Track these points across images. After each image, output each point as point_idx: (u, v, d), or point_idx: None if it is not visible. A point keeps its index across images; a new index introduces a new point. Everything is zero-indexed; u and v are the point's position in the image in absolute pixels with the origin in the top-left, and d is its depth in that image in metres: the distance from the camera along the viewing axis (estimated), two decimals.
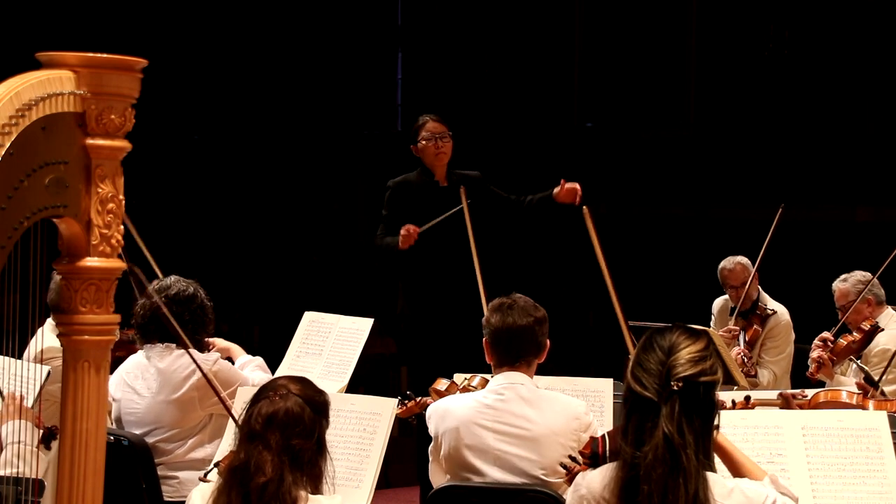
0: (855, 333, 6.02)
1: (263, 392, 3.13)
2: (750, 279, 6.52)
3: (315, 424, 3.09)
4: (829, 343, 5.99)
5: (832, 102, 10.01)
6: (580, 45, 11.68)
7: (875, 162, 9.68)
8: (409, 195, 6.19)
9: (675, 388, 2.71)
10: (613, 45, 11.47)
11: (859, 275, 6.10)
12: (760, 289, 6.66)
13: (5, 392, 3.76)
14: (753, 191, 10.06)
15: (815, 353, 5.96)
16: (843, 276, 6.18)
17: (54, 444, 3.95)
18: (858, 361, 5.80)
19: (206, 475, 3.66)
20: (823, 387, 5.90)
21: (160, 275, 5.04)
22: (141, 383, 4.59)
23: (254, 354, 5.09)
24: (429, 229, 6.01)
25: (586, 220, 5.04)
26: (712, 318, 6.86)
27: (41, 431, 3.73)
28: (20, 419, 3.63)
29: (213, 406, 4.51)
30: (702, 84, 10.98)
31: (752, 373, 6.39)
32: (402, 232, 6.03)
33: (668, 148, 11.00)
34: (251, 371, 4.80)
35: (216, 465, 3.63)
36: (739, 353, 6.40)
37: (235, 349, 5.05)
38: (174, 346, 4.55)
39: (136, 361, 4.67)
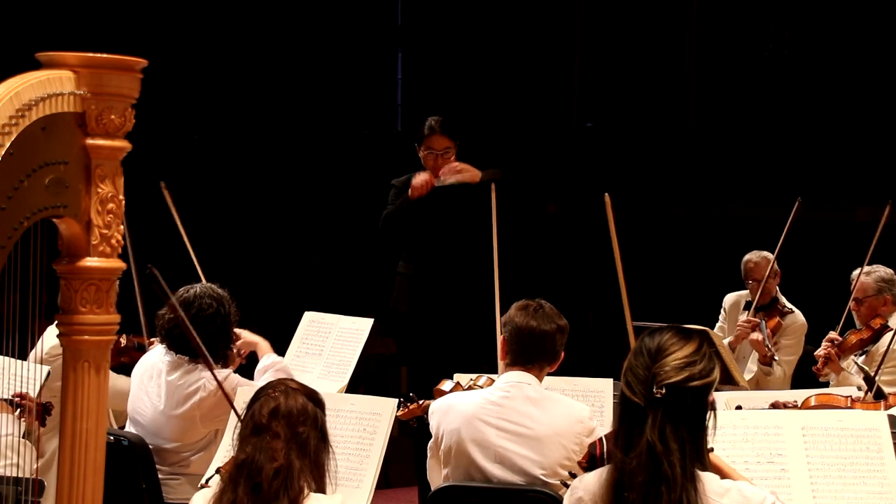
0: (864, 330, 6.00)
1: (262, 392, 3.18)
2: (773, 275, 6.49)
3: (317, 415, 3.14)
4: (836, 341, 5.97)
5: (832, 102, 10.00)
6: (580, 45, 11.68)
7: (875, 162, 9.68)
8: None
9: (658, 395, 2.69)
10: (613, 45, 11.46)
11: (883, 271, 6.05)
12: (779, 290, 6.64)
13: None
14: (753, 190, 10.05)
15: (821, 351, 5.93)
16: (867, 269, 6.09)
17: (49, 420, 3.97)
18: (859, 361, 5.80)
19: (207, 481, 3.66)
20: (828, 385, 5.91)
21: (203, 278, 4.98)
22: (153, 387, 4.57)
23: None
24: (440, 194, 6.00)
25: (606, 207, 5.06)
26: (722, 312, 6.82)
27: (20, 413, 3.73)
28: (3, 413, 3.66)
29: (216, 423, 4.46)
30: (702, 84, 10.97)
31: (769, 361, 6.33)
32: (418, 180, 6.02)
33: (668, 148, 10.99)
34: (271, 378, 4.68)
35: (217, 470, 3.63)
36: (762, 339, 6.33)
37: (263, 346, 4.90)
38: (186, 359, 4.51)
39: (153, 362, 4.63)
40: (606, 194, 5.03)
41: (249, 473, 3.01)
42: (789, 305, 6.60)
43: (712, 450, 2.89)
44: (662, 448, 2.65)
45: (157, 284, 4.03)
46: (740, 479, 2.88)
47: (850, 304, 6.06)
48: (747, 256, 6.67)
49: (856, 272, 6.11)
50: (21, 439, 3.56)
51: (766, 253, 6.62)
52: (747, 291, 6.68)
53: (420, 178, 6.04)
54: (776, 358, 6.35)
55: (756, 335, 6.36)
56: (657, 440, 2.66)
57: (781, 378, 6.42)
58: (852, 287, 6.09)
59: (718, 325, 6.75)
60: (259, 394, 3.17)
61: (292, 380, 3.30)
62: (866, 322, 6.02)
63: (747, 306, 6.63)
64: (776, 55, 10.42)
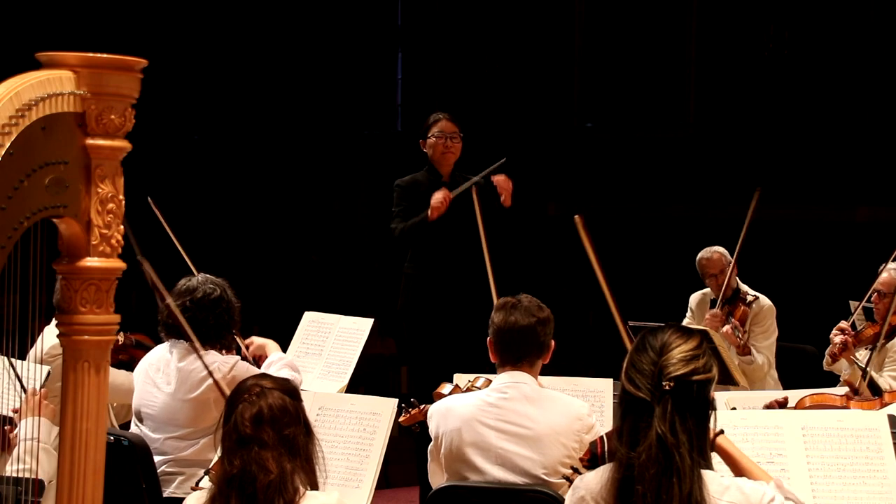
0: (880, 324, 5.98)
1: (238, 397, 3.08)
2: (730, 268, 6.51)
3: (298, 410, 3.08)
4: (848, 332, 5.95)
5: (832, 102, 10.00)
6: (580, 45, 11.68)
7: (875, 162, 9.68)
8: (417, 194, 6.20)
9: (667, 387, 2.71)
10: (613, 45, 11.46)
11: None
12: (739, 280, 6.65)
13: (27, 388, 3.77)
14: (753, 191, 10.06)
15: (838, 338, 5.90)
16: None
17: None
18: (860, 362, 5.79)
19: (197, 483, 3.64)
20: (833, 375, 5.91)
21: (195, 272, 5.04)
22: (161, 377, 4.58)
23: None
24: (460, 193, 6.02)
25: (579, 229, 4.97)
26: (689, 312, 6.83)
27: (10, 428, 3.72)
28: (37, 416, 3.64)
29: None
30: (702, 84, 10.97)
31: (743, 349, 6.35)
32: (435, 201, 6.00)
33: (668, 148, 10.99)
34: (276, 371, 4.70)
35: (207, 472, 3.61)
36: (729, 329, 6.36)
37: (270, 346, 4.98)
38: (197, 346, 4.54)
39: (160, 355, 4.65)
40: (577, 216, 4.90)
41: (242, 485, 2.94)
42: (752, 292, 6.61)
43: (722, 432, 2.90)
44: (673, 440, 2.67)
45: (148, 275, 4.09)
46: (748, 464, 2.90)
47: (872, 295, 6.04)
48: (700, 254, 6.72)
49: (886, 266, 6.08)
50: (47, 447, 3.54)
51: (717, 248, 6.65)
52: (710, 289, 6.71)
53: (437, 197, 6.02)
54: (753, 344, 6.38)
55: (725, 328, 6.39)
56: (668, 432, 2.67)
57: (767, 364, 6.43)
58: (878, 279, 6.05)
59: (685, 323, 6.75)
60: (235, 400, 3.07)
61: (262, 375, 3.20)
62: (883, 317, 6.00)
63: (713, 303, 6.64)
64: (776, 55, 10.42)
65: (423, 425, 4.44)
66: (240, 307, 4.71)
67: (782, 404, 4.50)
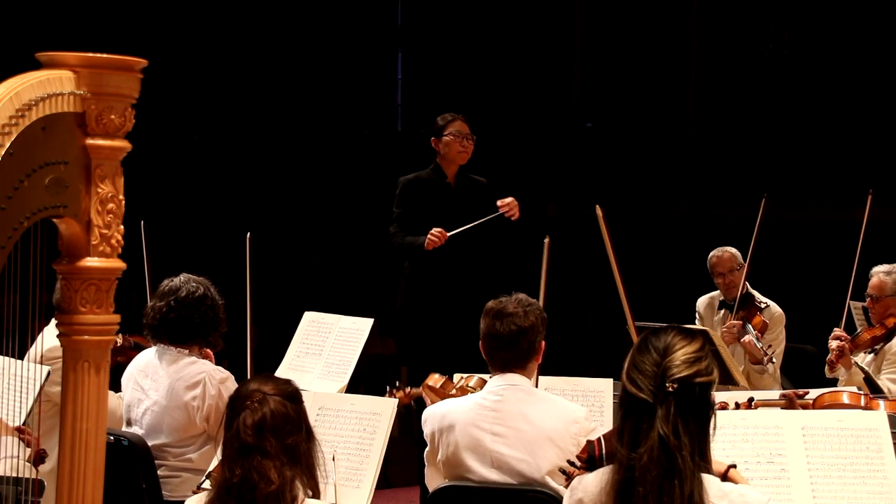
0: (877, 328, 5.98)
1: (239, 402, 3.03)
2: (738, 267, 6.48)
3: (300, 415, 3.05)
4: (844, 338, 5.94)
5: (832, 102, 10.01)
6: (580, 45, 11.68)
7: (875, 161, 9.68)
8: (420, 192, 6.20)
9: (670, 389, 2.70)
10: (613, 45, 11.47)
11: None
12: (749, 285, 6.62)
13: None
14: (753, 191, 10.06)
15: (834, 343, 5.89)
16: (887, 268, 6.05)
17: (48, 422, 3.96)
18: (862, 364, 5.79)
19: (199, 487, 3.63)
20: (836, 381, 5.90)
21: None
22: (149, 383, 4.56)
23: (253, 354, 5.07)
24: (458, 234, 6.00)
25: (599, 220, 5.00)
26: (697, 317, 6.80)
27: (31, 451, 3.71)
28: (9, 436, 3.63)
29: (210, 428, 4.44)
30: (702, 84, 10.98)
31: (764, 359, 6.27)
32: (433, 235, 6.00)
33: (668, 148, 11.00)
34: None
35: (208, 475, 3.60)
36: (751, 339, 6.28)
37: None
38: (186, 351, 4.52)
39: (148, 360, 4.63)
40: (598, 206, 4.95)
41: (241, 493, 2.91)
42: (764, 299, 6.57)
43: (734, 466, 2.89)
44: (675, 441, 2.66)
45: None
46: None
47: (867, 300, 6.04)
48: (711, 253, 6.69)
49: (874, 269, 6.07)
50: (26, 463, 3.53)
51: (729, 248, 6.63)
52: (718, 292, 6.68)
53: (435, 233, 6.01)
54: (774, 360, 6.31)
55: (746, 338, 6.32)
56: (670, 433, 2.66)
57: (773, 373, 6.40)
58: (870, 284, 6.05)
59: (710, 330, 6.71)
60: (236, 406, 3.02)
61: (263, 379, 3.12)
62: (880, 320, 5.99)
63: (721, 306, 6.61)
64: (776, 55, 10.43)
65: (416, 404, 4.42)
66: (223, 305, 4.68)
67: (801, 396, 4.51)
